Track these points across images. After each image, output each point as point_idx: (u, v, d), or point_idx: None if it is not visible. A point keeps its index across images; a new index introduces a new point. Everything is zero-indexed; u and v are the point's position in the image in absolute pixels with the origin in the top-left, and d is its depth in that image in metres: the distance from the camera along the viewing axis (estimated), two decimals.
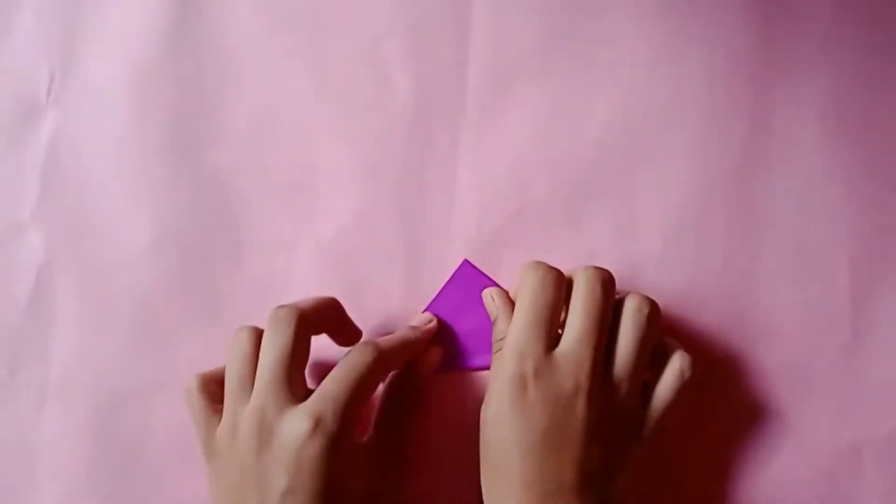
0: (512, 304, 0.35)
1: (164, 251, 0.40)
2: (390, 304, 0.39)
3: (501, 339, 0.33)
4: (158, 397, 0.38)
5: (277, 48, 0.40)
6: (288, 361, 0.31)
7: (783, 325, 0.37)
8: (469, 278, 0.38)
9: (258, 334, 0.33)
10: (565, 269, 0.34)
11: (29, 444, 0.39)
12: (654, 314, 0.33)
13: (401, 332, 0.36)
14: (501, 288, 0.36)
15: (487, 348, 0.37)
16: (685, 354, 0.33)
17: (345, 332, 0.36)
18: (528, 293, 0.32)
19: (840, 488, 0.36)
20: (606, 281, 0.33)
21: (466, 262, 0.38)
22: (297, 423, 0.30)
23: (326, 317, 0.35)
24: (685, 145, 0.38)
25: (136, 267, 0.40)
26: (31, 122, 0.41)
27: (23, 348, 0.40)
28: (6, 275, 0.40)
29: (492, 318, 0.36)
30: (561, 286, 0.33)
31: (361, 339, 0.36)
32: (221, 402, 0.33)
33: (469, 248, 0.39)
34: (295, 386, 0.31)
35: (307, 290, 0.39)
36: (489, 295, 0.36)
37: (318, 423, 0.30)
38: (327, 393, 0.31)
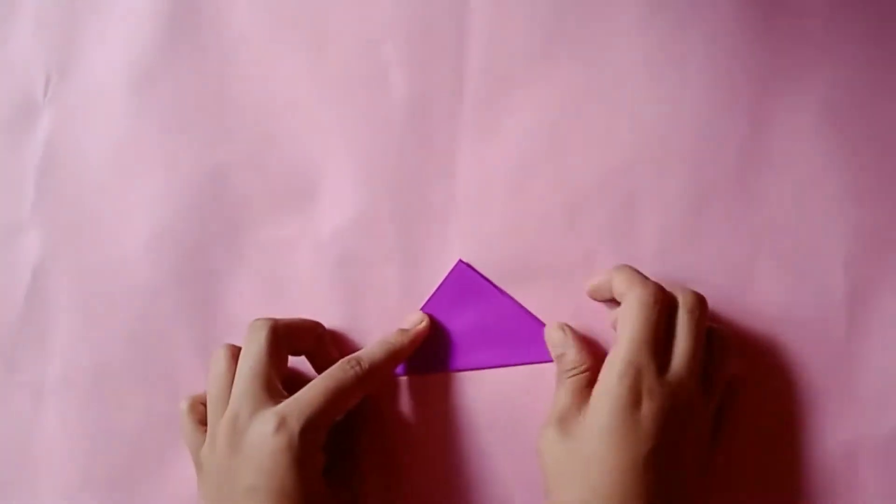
0: (581, 336, 0.36)
1: (161, 250, 0.40)
2: (389, 302, 0.39)
3: (575, 367, 0.34)
4: (156, 396, 0.38)
5: (276, 48, 0.40)
6: (259, 368, 0.32)
7: (780, 325, 0.37)
8: (464, 278, 0.38)
9: (235, 351, 0.34)
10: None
11: (26, 442, 0.39)
12: (703, 311, 0.34)
13: (390, 342, 0.36)
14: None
15: (480, 348, 0.37)
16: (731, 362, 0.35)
17: (323, 356, 0.37)
18: (638, 310, 0.32)
19: (837, 488, 0.36)
20: (704, 304, 0.33)
21: (461, 262, 0.38)
22: (263, 423, 0.31)
23: (301, 334, 0.36)
24: (683, 145, 0.38)
25: (134, 266, 0.40)
26: (28, 121, 0.41)
27: (20, 347, 0.40)
28: (3, 274, 0.40)
29: (556, 353, 0.36)
30: (669, 302, 0.33)
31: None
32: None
33: (467, 247, 0.39)
34: (268, 392, 0.32)
35: (306, 290, 0.39)
36: (560, 329, 0.36)
37: (282, 423, 0.31)
38: (299, 397, 0.32)
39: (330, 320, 0.39)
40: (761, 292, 0.37)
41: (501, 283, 0.38)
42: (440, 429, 0.37)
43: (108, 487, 0.39)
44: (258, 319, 0.34)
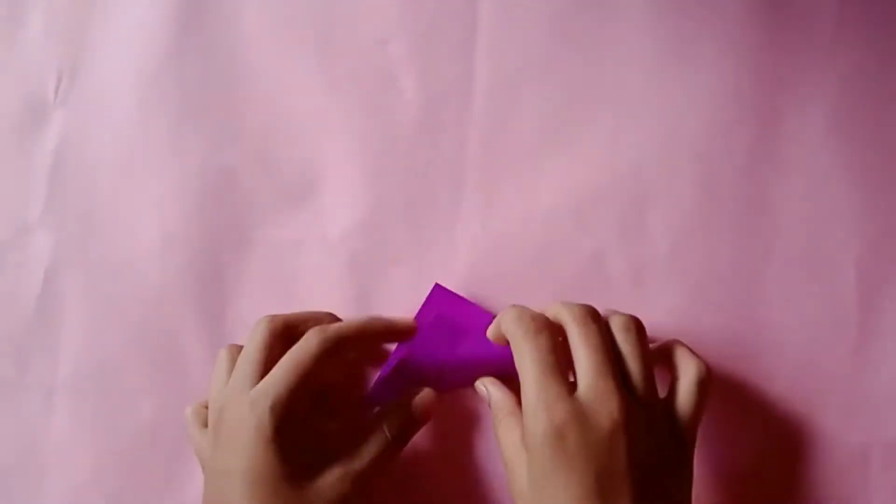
0: (499, 383, 0.35)
1: (171, 251, 0.40)
2: (396, 303, 0.39)
3: (503, 409, 0.34)
4: (166, 397, 0.39)
5: (284, 49, 0.40)
6: (252, 363, 0.33)
7: (791, 328, 0.37)
8: (443, 301, 0.37)
9: (236, 352, 0.34)
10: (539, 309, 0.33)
11: (37, 443, 0.39)
12: (641, 330, 0.32)
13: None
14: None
15: (460, 370, 0.37)
16: (695, 360, 0.33)
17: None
18: (524, 344, 0.31)
19: (847, 490, 0.36)
20: (594, 312, 0.32)
21: (438, 285, 0.38)
22: (237, 407, 0.31)
23: (305, 326, 0.35)
24: (693, 146, 0.38)
25: (144, 267, 0.40)
26: (39, 123, 0.41)
27: (31, 348, 0.40)
28: (14, 275, 0.40)
29: (488, 399, 0.35)
30: (553, 327, 0.32)
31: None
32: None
33: (474, 248, 0.39)
34: (254, 383, 0.32)
35: (314, 290, 0.39)
36: (481, 385, 0.36)
37: (253, 404, 0.31)
38: (268, 378, 0.32)
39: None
40: (772, 294, 0.37)
41: (510, 284, 0.38)
42: (440, 439, 0.37)
43: (118, 488, 0.39)
44: (262, 317, 0.34)
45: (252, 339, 0.34)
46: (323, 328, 0.33)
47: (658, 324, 0.37)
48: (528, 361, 0.31)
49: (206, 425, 0.34)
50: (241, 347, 0.35)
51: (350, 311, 0.39)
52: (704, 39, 0.39)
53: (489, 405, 0.35)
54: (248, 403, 0.31)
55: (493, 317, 0.35)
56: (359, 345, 0.36)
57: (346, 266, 0.39)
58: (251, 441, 0.30)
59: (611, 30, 0.39)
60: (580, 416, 0.29)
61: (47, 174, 0.41)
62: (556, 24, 0.39)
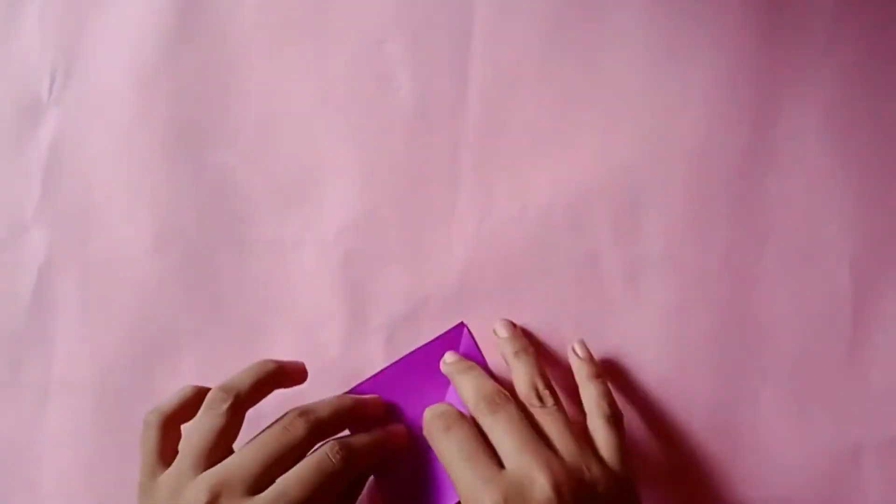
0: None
1: (166, 250, 0.40)
2: (391, 303, 0.39)
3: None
4: (160, 396, 0.38)
5: (280, 48, 0.40)
6: (274, 461, 0.31)
7: (785, 327, 0.37)
8: (460, 342, 0.37)
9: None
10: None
11: (31, 442, 0.39)
12: (552, 393, 0.33)
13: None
14: None
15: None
16: (599, 389, 0.34)
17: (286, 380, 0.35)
18: (441, 442, 0.31)
19: (841, 491, 0.36)
20: (497, 396, 0.32)
21: (463, 325, 0.37)
22: (194, 494, 0.29)
23: (264, 391, 0.34)
24: (688, 145, 0.38)
25: (139, 266, 0.40)
26: (34, 121, 0.41)
27: (25, 347, 0.40)
28: (9, 274, 0.40)
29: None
30: (461, 417, 0.32)
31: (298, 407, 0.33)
32: (175, 448, 0.33)
33: (469, 247, 0.39)
34: (264, 483, 0.30)
35: (310, 289, 0.39)
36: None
37: (216, 497, 0.29)
38: (286, 494, 0.30)
39: (332, 320, 0.39)
40: (766, 293, 0.37)
41: (504, 283, 0.38)
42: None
43: (111, 487, 0.39)
44: (308, 413, 0.32)
45: (284, 438, 0.31)
46: (350, 443, 0.32)
47: (651, 323, 0.37)
48: (446, 461, 0.31)
49: (172, 444, 0.33)
50: (168, 414, 0.33)
51: (345, 310, 0.39)
52: (699, 38, 0.39)
53: None
54: (205, 492, 0.29)
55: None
56: (258, 396, 0.34)
57: (341, 266, 0.39)
58: None
59: (606, 29, 0.39)
60: (511, 492, 0.29)
61: (41, 173, 0.41)
62: (551, 24, 0.39)
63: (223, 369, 0.39)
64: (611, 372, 0.37)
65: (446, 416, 0.32)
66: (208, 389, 0.33)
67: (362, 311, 0.39)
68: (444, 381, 0.36)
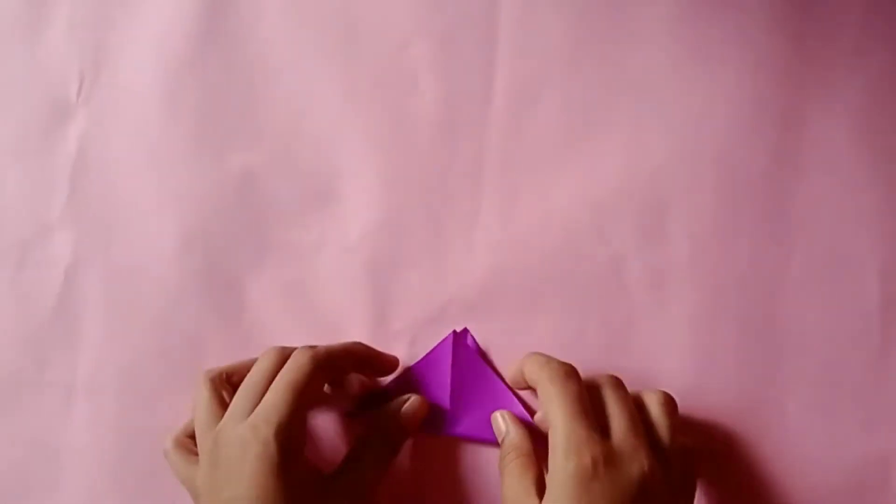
0: (520, 420, 0.35)
1: (191, 251, 0.40)
2: (414, 307, 0.39)
3: (518, 448, 0.34)
4: (184, 397, 0.39)
5: (306, 51, 0.40)
6: (258, 391, 0.32)
7: (812, 336, 0.37)
8: (461, 349, 0.38)
9: (217, 380, 0.35)
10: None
11: (56, 442, 0.39)
12: (673, 405, 0.34)
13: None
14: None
15: (470, 421, 0.37)
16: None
17: (369, 366, 0.37)
18: (552, 388, 0.32)
19: (867, 498, 0.36)
20: (570, 371, 0.33)
21: (466, 332, 0.38)
22: (237, 434, 0.31)
23: (337, 362, 0.35)
24: (714, 150, 0.38)
25: (164, 267, 0.40)
26: (62, 122, 0.41)
27: (51, 347, 0.40)
28: (35, 274, 0.40)
29: (500, 437, 0.35)
30: (580, 378, 0.33)
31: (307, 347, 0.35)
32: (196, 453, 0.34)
33: (492, 251, 0.39)
34: (252, 407, 0.32)
35: (332, 292, 0.39)
36: (499, 416, 0.36)
37: (255, 431, 0.30)
38: (266, 402, 0.32)
39: (355, 323, 0.39)
40: (793, 300, 0.37)
41: (527, 288, 0.38)
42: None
43: (135, 488, 0.39)
44: (272, 347, 0.35)
45: (259, 368, 0.33)
46: (310, 347, 0.34)
47: (676, 329, 0.37)
48: (558, 404, 0.31)
49: (192, 453, 0.34)
50: (219, 373, 0.35)
51: (367, 314, 0.39)
52: (727, 43, 0.38)
53: (500, 441, 0.35)
54: (249, 430, 0.31)
55: (503, 384, 0.37)
56: (346, 366, 0.36)
57: (364, 269, 0.39)
58: (256, 469, 0.30)
59: (632, 33, 0.39)
60: (612, 459, 0.30)
61: (69, 174, 0.41)
62: (577, 27, 0.39)
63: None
64: (635, 379, 0.37)
65: (566, 368, 0.33)
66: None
67: (384, 314, 0.39)
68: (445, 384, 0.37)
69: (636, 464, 0.30)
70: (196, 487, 0.33)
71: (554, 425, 0.31)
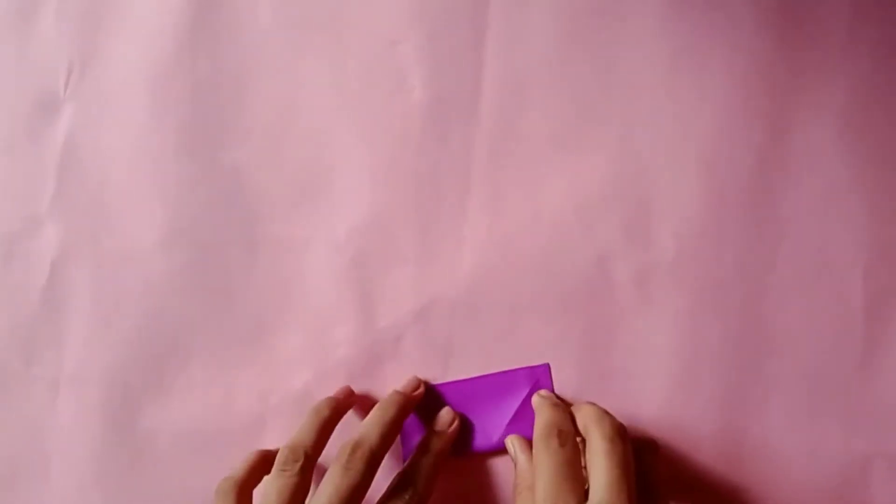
0: (529, 445, 0.35)
1: (178, 246, 0.40)
2: (401, 304, 0.39)
3: (526, 479, 0.34)
4: (170, 391, 0.39)
5: (295, 47, 0.40)
6: (288, 500, 0.32)
7: (796, 336, 0.37)
8: (534, 379, 0.38)
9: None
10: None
11: (42, 434, 0.39)
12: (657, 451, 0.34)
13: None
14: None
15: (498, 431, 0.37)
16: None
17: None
18: (546, 458, 0.31)
19: (848, 498, 0.36)
20: (622, 431, 0.32)
21: (547, 366, 0.38)
22: None
23: (327, 437, 0.35)
24: (700, 151, 0.38)
25: (151, 261, 0.40)
26: (49, 116, 0.41)
27: (37, 340, 0.40)
28: (22, 267, 0.41)
29: (514, 459, 0.36)
30: (577, 443, 0.32)
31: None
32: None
33: (480, 249, 0.39)
34: None
35: (319, 289, 0.39)
36: (510, 442, 0.36)
37: None
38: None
39: (342, 320, 0.39)
40: (778, 301, 0.37)
41: (515, 286, 0.38)
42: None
43: (121, 480, 0.39)
44: (361, 446, 0.33)
45: (348, 479, 0.32)
46: (416, 483, 0.34)
47: (662, 329, 0.37)
48: (546, 463, 0.31)
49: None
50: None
51: (354, 310, 0.39)
52: (715, 45, 0.38)
53: (514, 466, 0.35)
54: None
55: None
56: (323, 446, 0.35)
57: (351, 266, 0.39)
58: None
59: (621, 34, 0.39)
60: None
61: (56, 167, 0.41)
62: (566, 27, 0.39)
63: (232, 366, 0.39)
64: (619, 378, 0.37)
65: (564, 435, 0.32)
66: (273, 452, 0.35)
67: (371, 311, 0.39)
68: (508, 410, 0.37)
69: None
70: None
71: (536, 485, 0.31)
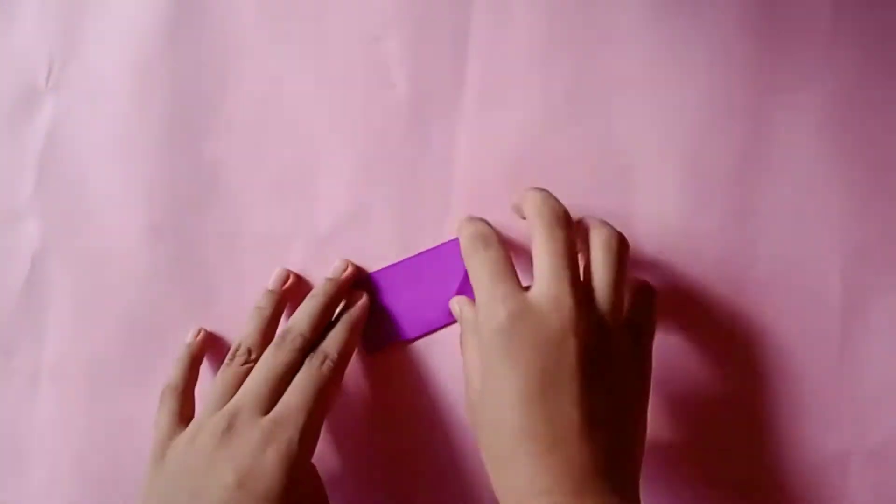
0: (472, 304, 0.36)
1: (160, 241, 0.40)
2: None
3: (469, 324, 0.35)
4: (150, 386, 0.39)
5: (277, 41, 0.40)
6: (274, 377, 0.34)
7: (774, 333, 0.37)
8: (452, 256, 0.38)
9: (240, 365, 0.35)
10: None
11: (21, 428, 0.39)
12: (622, 249, 0.32)
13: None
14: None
15: (426, 309, 0.38)
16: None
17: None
18: (474, 257, 0.33)
19: (828, 496, 0.36)
20: (564, 218, 0.32)
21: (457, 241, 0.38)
22: (258, 430, 0.32)
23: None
24: (682, 148, 0.38)
25: (132, 256, 0.40)
26: (30, 108, 0.41)
27: (17, 334, 0.40)
28: (2, 261, 0.40)
29: (459, 317, 0.36)
30: (501, 240, 0.33)
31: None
32: (190, 416, 0.35)
33: None
34: (272, 400, 0.33)
35: (301, 284, 0.39)
36: (454, 302, 0.37)
37: (278, 430, 0.32)
38: (289, 404, 0.33)
39: None
40: (756, 298, 0.37)
41: None
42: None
43: (100, 474, 0.39)
44: (291, 332, 0.35)
45: (278, 359, 0.34)
46: (325, 353, 0.34)
47: None
48: (479, 269, 0.32)
49: (183, 420, 0.35)
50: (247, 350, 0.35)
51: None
52: (697, 44, 0.39)
53: (459, 322, 0.36)
54: (274, 426, 0.32)
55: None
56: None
57: (334, 259, 0.39)
58: (273, 469, 0.31)
59: (604, 31, 0.39)
60: (528, 312, 0.30)
61: (37, 161, 0.41)
62: (548, 25, 0.39)
63: (212, 360, 0.39)
64: None
65: (485, 237, 0.33)
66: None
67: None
68: (447, 286, 0.38)
69: (555, 315, 0.30)
70: (163, 452, 0.33)
71: (475, 291, 0.32)
